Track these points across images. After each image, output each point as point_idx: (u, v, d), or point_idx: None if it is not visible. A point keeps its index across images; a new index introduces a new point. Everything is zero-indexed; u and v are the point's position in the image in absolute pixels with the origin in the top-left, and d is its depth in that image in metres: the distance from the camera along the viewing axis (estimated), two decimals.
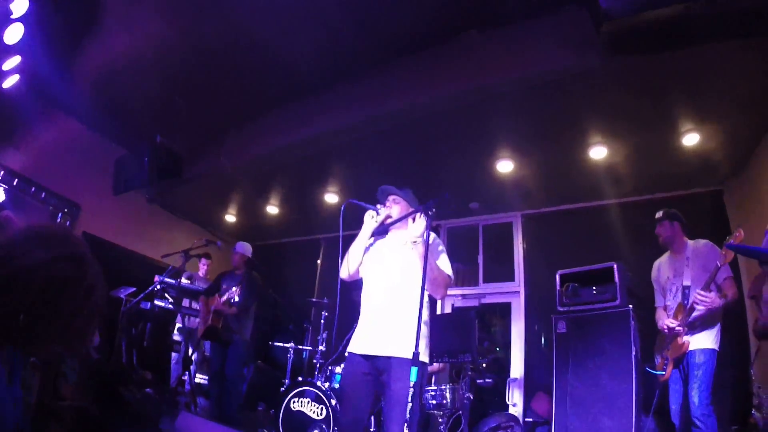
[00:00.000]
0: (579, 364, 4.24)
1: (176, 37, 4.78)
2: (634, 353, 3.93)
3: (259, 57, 4.99)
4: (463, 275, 7.31)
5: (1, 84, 4.48)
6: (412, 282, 2.80)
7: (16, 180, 5.78)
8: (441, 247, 2.96)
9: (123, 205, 6.71)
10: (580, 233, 6.51)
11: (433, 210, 2.66)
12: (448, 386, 4.49)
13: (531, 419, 5.45)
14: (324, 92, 5.49)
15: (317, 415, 4.44)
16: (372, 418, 4.35)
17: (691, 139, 5.02)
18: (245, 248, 5.64)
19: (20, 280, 1.18)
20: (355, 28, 4.61)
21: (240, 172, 6.69)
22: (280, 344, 5.89)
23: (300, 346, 5.82)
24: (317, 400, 4.50)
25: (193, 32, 4.71)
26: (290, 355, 5.62)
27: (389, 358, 2.67)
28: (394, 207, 3.05)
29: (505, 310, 6.94)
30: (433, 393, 4.47)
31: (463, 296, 7.22)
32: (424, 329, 2.56)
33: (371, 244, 3.07)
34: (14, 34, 4.15)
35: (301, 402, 4.58)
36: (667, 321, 3.69)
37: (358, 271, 3.01)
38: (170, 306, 5.81)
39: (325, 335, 5.28)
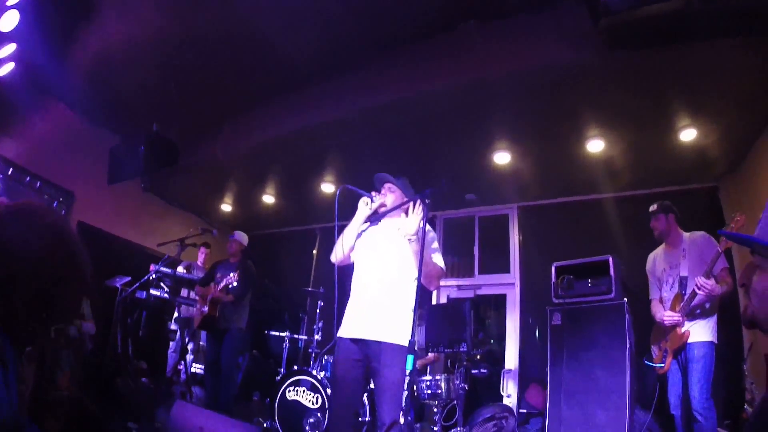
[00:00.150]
0: (573, 357, 4.26)
1: (172, 26, 4.73)
2: (628, 346, 3.95)
3: (256, 47, 4.95)
4: (459, 266, 7.35)
5: None
6: (404, 269, 2.84)
7: (11, 169, 5.75)
8: (435, 244, 2.98)
9: (118, 194, 6.67)
10: (576, 226, 6.54)
11: (430, 199, 2.67)
12: (442, 376, 4.51)
13: (525, 410, 5.51)
14: (321, 82, 5.46)
15: (312, 404, 4.48)
16: (367, 407, 4.39)
17: (687, 135, 5.04)
18: (242, 237, 5.69)
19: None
20: (353, 19, 4.58)
21: (236, 162, 6.67)
22: (276, 333, 5.91)
23: (295, 336, 5.83)
24: (313, 389, 4.53)
25: (190, 22, 4.67)
26: (286, 345, 5.64)
27: (379, 343, 2.70)
28: (389, 195, 3.08)
29: (500, 301, 6.98)
30: (428, 383, 4.50)
31: (459, 287, 7.25)
32: (412, 316, 2.60)
33: (364, 230, 3.09)
34: (9, 21, 4.12)
35: (297, 391, 4.62)
36: (666, 312, 3.72)
37: (349, 256, 3.04)
38: (166, 295, 5.81)
39: (320, 324, 5.30)
